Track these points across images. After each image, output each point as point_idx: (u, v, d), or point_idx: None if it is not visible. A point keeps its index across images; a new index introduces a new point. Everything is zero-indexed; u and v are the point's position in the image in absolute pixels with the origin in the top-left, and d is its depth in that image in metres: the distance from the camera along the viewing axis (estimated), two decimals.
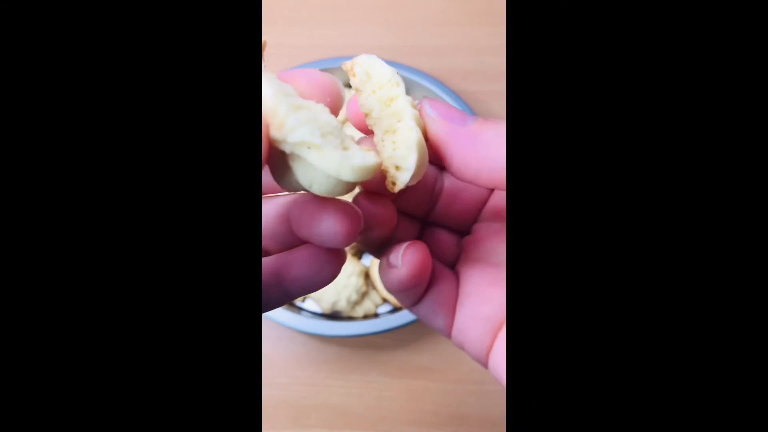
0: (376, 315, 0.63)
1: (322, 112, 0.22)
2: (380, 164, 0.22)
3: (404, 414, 0.60)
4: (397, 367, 0.62)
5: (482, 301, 0.27)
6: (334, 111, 0.24)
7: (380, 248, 0.29)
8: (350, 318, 0.62)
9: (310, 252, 0.27)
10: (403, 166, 0.24)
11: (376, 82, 0.25)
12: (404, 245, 0.26)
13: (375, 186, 0.26)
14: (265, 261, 0.28)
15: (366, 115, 0.25)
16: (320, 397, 0.61)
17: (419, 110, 0.25)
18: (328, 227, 0.24)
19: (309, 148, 0.21)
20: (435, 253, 0.29)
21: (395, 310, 0.63)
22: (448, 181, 0.30)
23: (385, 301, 0.64)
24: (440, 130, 0.25)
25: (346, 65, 0.26)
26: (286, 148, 0.21)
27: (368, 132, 0.27)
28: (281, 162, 0.22)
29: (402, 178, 0.24)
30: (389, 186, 0.24)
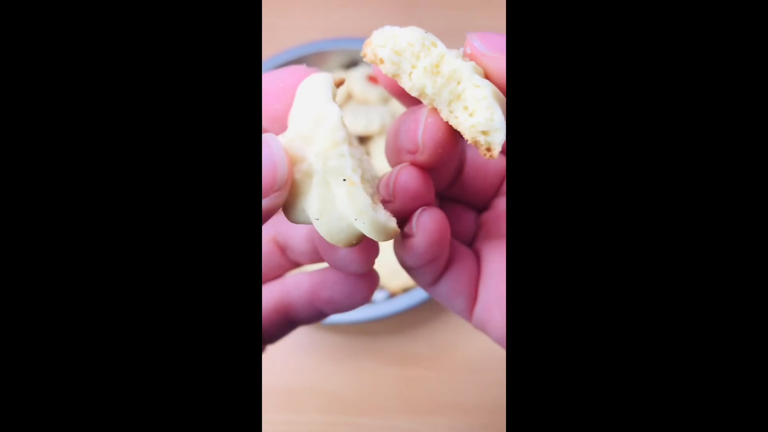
0: (371, 301, 0.62)
1: (367, 161, 0.23)
2: (396, 232, 0.22)
3: (399, 401, 0.59)
4: (392, 355, 0.61)
5: None
6: None
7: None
8: None
9: (340, 275, 0.27)
10: (491, 128, 0.21)
11: (409, 55, 0.22)
12: (417, 212, 0.24)
13: (428, 159, 0.23)
14: (300, 279, 0.29)
15: (420, 96, 0.22)
16: (315, 384, 0.60)
17: (470, 52, 0.22)
18: (344, 256, 0.24)
19: (344, 180, 0.20)
20: (453, 230, 0.27)
21: (390, 296, 0.62)
22: (471, 151, 0.28)
23: (381, 287, 0.63)
24: (501, 67, 0.22)
25: (367, 56, 0.22)
26: (318, 169, 0.21)
27: (410, 100, 0.24)
28: (294, 188, 0.21)
29: (497, 140, 0.22)
30: (484, 154, 0.22)
